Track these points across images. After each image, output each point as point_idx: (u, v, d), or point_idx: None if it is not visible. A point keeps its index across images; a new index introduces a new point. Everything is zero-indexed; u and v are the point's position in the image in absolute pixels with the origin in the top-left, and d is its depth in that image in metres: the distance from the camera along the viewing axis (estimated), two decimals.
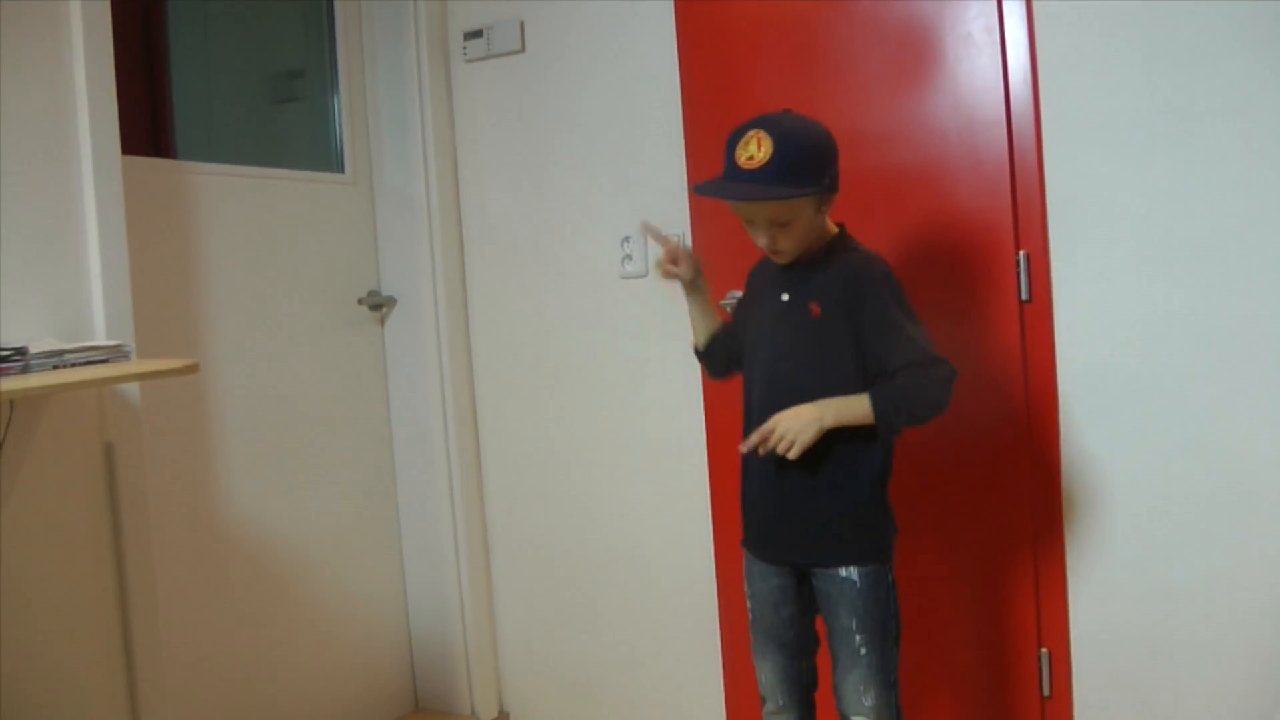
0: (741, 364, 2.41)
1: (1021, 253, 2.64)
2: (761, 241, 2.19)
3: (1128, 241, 2.53)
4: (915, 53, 2.76)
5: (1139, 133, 2.51)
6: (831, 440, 2.11)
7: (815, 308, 2.17)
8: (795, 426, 2.08)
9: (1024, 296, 2.64)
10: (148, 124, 3.11)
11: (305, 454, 3.35)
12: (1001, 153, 2.65)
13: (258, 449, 3.19)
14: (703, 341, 2.52)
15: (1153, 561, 2.56)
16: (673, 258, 2.43)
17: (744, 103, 2.96)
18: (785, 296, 2.24)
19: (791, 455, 2.07)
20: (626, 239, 3.23)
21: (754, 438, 2.12)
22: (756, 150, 2.09)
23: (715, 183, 2.16)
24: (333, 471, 3.45)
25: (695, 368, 2.79)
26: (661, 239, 2.51)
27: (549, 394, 3.48)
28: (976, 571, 2.77)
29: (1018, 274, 2.64)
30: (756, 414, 2.22)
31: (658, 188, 3.15)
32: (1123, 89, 2.52)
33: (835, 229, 2.27)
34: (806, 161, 2.11)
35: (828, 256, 2.22)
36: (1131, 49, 2.51)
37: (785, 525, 2.25)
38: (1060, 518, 2.65)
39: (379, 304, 3.62)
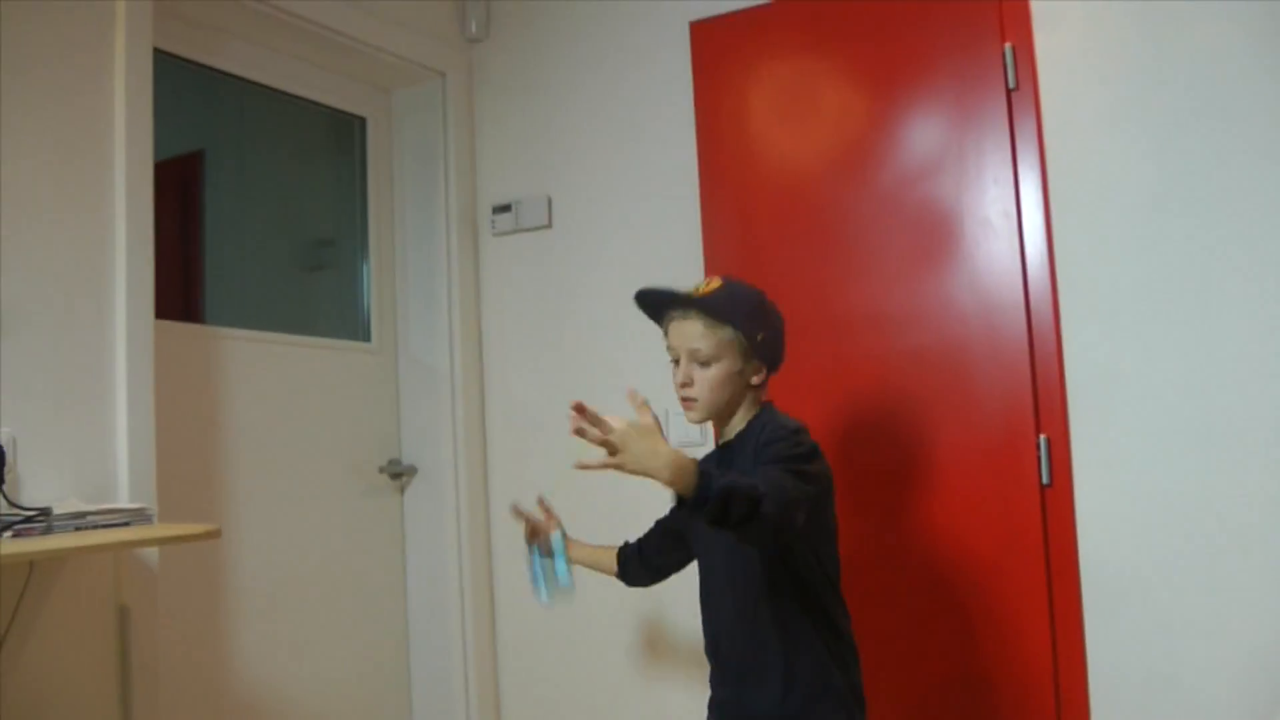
0: (665, 564, 2.49)
1: (1042, 436, 2.64)
2: (677, 378, 2.17)
3: (1150, 425, 2.54)
4: (935, 236, 2.81)
5: (1158, 315, 2.54)
6: (756, 601, 2.08)
7: None
8: (637, 452, 1.85)
9: (1045, 481, 2.64)
10: (179, 287, 3.16)
11: (319, 621, 3.31)
12: (1020, 335, 2.68)
13: (272, 615, 3.16)
14: (613, 569, 2.56)
15: None
16: (532, 530, 2.51)
17: (765, 280, 2.99)
18: None
19: (603, 462, 1.87)
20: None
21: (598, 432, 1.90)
22: (706, 286, 2.19)
23: (656, 289, 2.23)
24: (346, 641, 3.40)
25: None
26: (524, 513, 2.54)
27: None
28: None
29: (1039, 458, 2.64)
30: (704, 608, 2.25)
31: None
32: (1140, 270, 2.57)
33: (760, 408, 2.21)
34: (747, 309, 2.17)
35: (751, 430, 2.16)
36: (1148, 233, 2.56)
37: (722, 686, 2.22)
38: (1087, 707, 2.59)
39: (399, 473, 3.62)
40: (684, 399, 2.18)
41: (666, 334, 2.22)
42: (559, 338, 3.50)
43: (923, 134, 2.86)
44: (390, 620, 3.59)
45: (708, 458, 2.24)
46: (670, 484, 1.84)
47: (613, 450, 1.85)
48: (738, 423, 2.20)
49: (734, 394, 2.17)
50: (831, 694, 2.08)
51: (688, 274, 3.14)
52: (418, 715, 3.60)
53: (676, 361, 2.19)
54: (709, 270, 3.13)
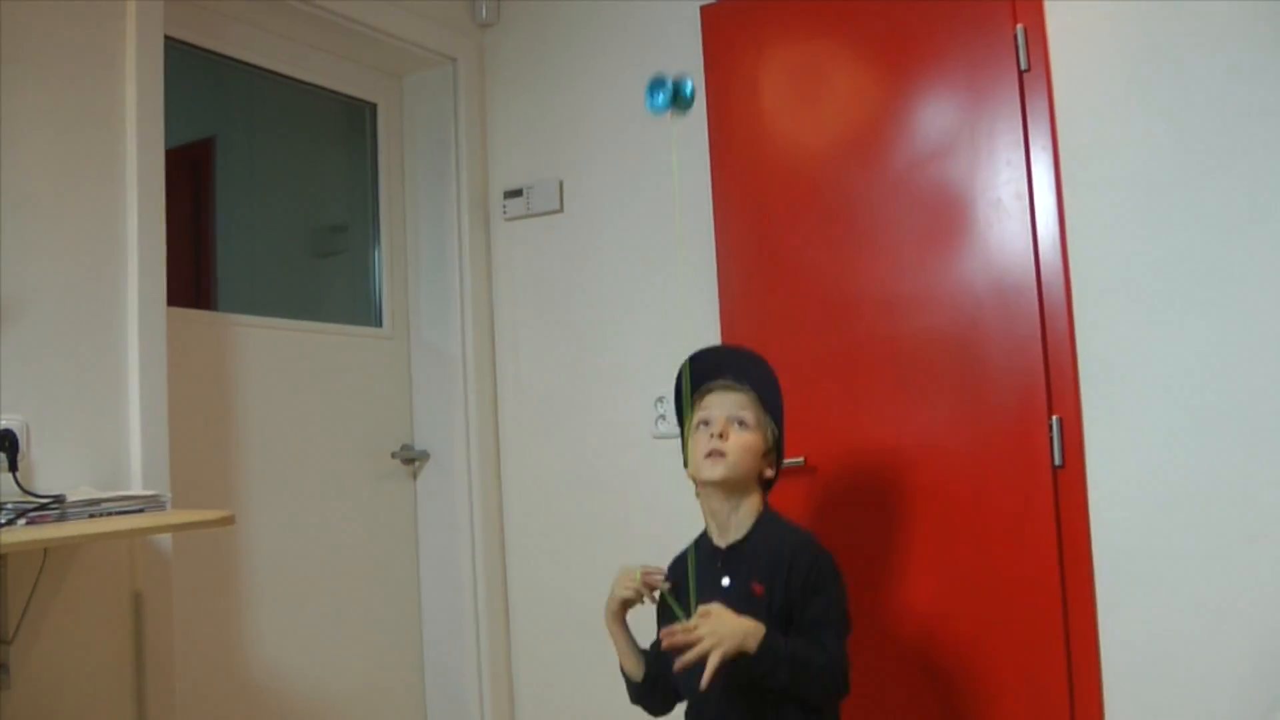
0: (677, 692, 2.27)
1: (1055, 417, 2.63)
2: (711, 432, 2.15)
3: (1162, 405, 2.53)
4: (946, 218, 2.80)
5: (1171, 296, 2.53)
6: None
7: (758, 587, 2.09)
8: (721, 632, 1.92)
9: (1057, 462, 2.63)
10: (191, 275, 3.17)
11: (332, 606, 3.33)
12: (1033, 317, 2.67)
13: (285, 600, 3.17)
14: (639, 671, 2.29)
15: None
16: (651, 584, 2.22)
17: (777, 263, 3.02)
18: (726, 581, 2.14)
19: (708, 667, 1.90)
20: (660, 399, 3.24)
21: (678, 633, 1.94)
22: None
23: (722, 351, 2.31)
24: (359, 625, 3.42)
25: None
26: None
27: (580, 552, 3.46)
28: None
29: (1050, 439, 2.63)
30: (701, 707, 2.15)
31: (692, 348, 3.17)
32: (1152, 251, 2.55)
33: (764, 508, 2.20)
34: (780, 411, 2.23)
35: (761, 532, 2.16)
36: (1160, 214, 2.54)
37: None
38: (1099, 688, 2.59)
39: (412, 458, 3.63)
40: (714, 450, 2.14)
41: (700, 403, 2.23)
42: (570, 321, 3.50)
43: (935, 116, 2.85)
44: (403, 605, 3.60)
45: (706, 550, 2.21)
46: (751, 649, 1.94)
47: (705, 646, 1.92)
48: (744, 517, 2.18)
49: (752, 473, 2.18)
50: None
51: (699, 257, 3.16)
52: (431, 700, 3.62)
53: (697, 426, 2.20)
54: (721, 253, 3.12)
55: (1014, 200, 2.72)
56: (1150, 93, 2.58)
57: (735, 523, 2.18)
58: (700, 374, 2.27)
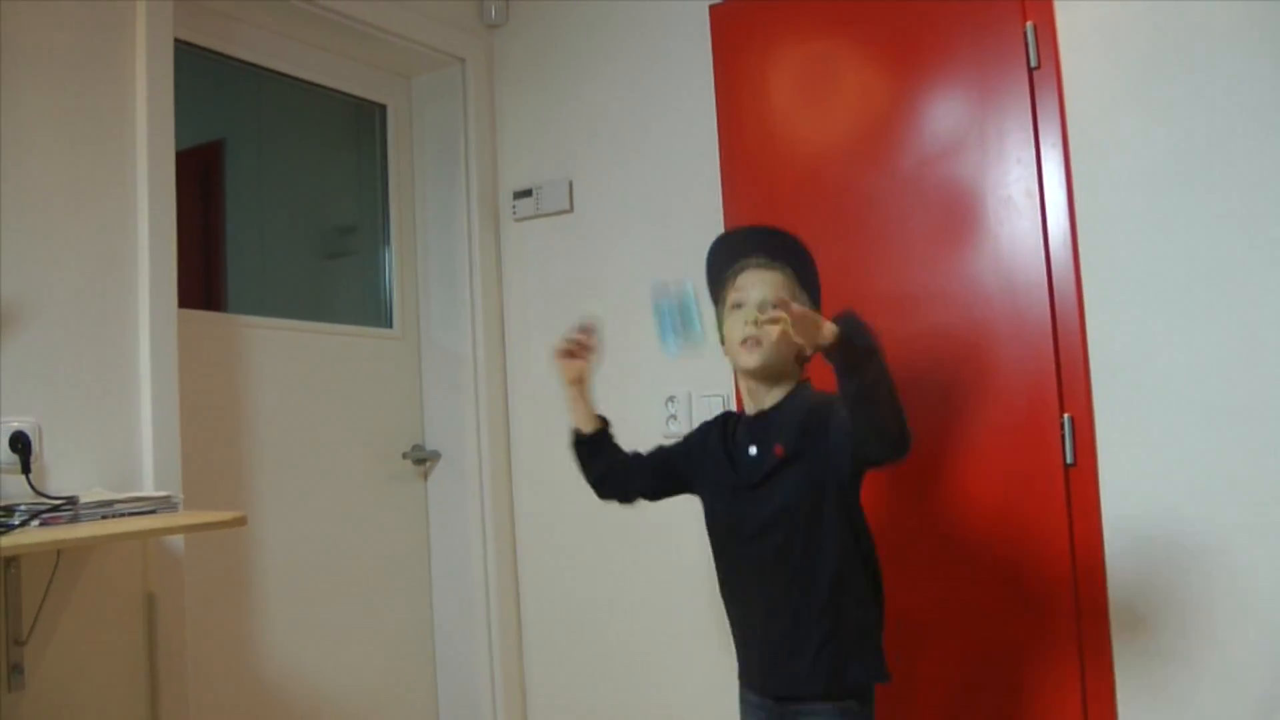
0: (629, 489, 2.38)
1: (1066, 415, 2.63)
2: (743, 317, 2.13)
3: (1174, 403, 2.52)
4: (957, 216, 2.80)
5: (1182, 293, 2.52)
6: (814, 565, 2.06)
7: (779, 449, 2.11)
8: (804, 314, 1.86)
9: (1069, 460, 2.62)
10: (201, 277, 3.18)
11: (344, 607, 3.33)
12: (1044, 314, 2.67)
13: (297, 601, 3.18)
14: (589, 425, 2.35)
15: None
16: (586, 338, 2.32)
17: None
18: (753, 450, 2.18)
19: (773, 333, 1.92)
20: (671, 398, 3.24)
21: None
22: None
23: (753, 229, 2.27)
24: (371, 625, 3.42)
25: None
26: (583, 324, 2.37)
27: (591, 551, 3.46)
28: None
29: (1062, 437, 2.63)
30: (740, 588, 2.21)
31: (701, 348, 3.17)
32: (1164, 249, 2.55)
33: (798, 382, 2.19)
34: (817, 285, 2.22)
35: (790, 402, 2.16)
36: (1172, 211, 2.54)
37: (761, 652, 2.17)
38: (1112, 686, 2.59)
39: (423, 458, 3.64)
40: (749, 337, 2.12)
41: (733, 283, 2.19)
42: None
43: (944, 114, 2.84)
44: (415, 605, 3.61)
45: (739, 421, 2.25)
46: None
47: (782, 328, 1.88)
48: (778, 392, 2.17)
49: (788, 356, 2.15)
50: (869, 646, 2.10)
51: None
52: (443, 701, 3.63)
53: (732, 308, 2.18)
54: None
55: (1024, 198, 2.71)
56: (1161, 89, 2.58)
57: (770, 398, 2.18)
58: (732, 253, 2.24)
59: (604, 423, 2.38)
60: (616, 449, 2.39)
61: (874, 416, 1.90)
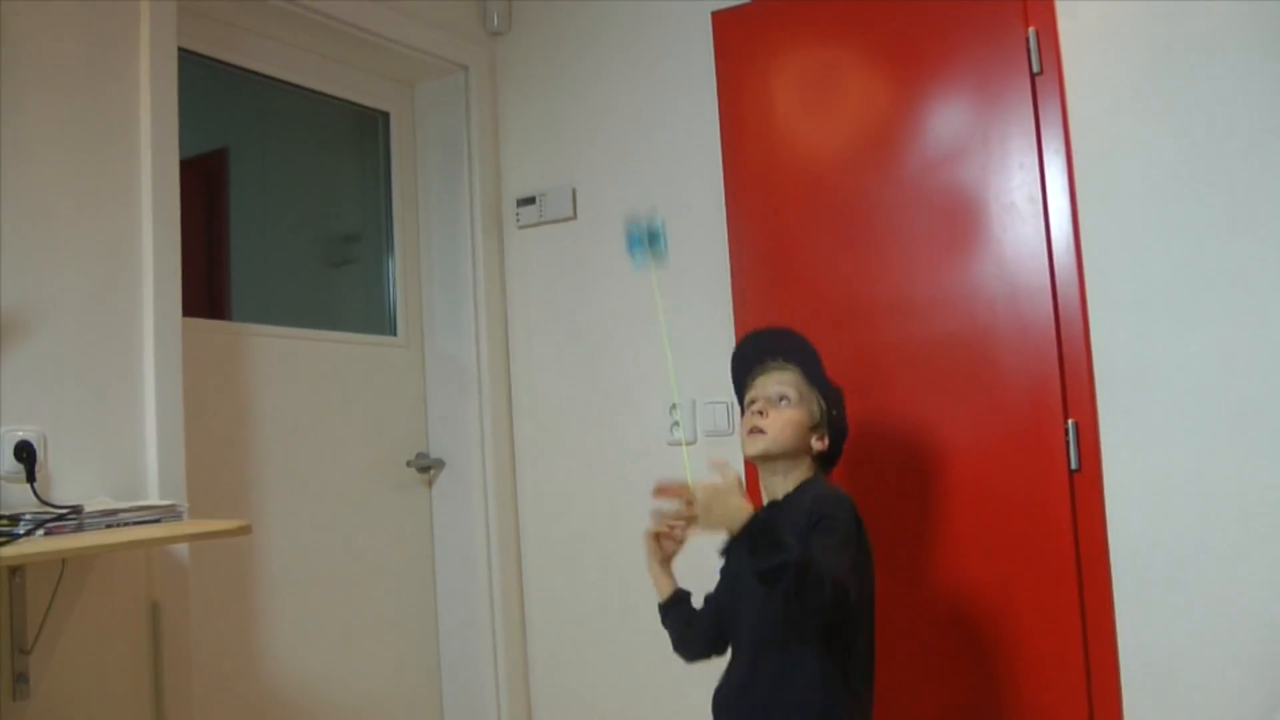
0: (709, 646, 2.36)
1: (1070, 421, 2.63)
2: (751, 415, 2.23)
3: (1178, 408, 2.52)
4: (960, 222, 2.80)
5: (1186, 299, 2.52)
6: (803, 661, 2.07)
7: None
8: (719, 512, 1.93)
9: (1073, 466, 2.62)
10: (205, 285, 3.18)
11: (349, 614, 3.33)
12: (1047, 320, 2.67)
13: (302, 609, 3.18)
14: (668, 593, 2.37)
15: None
16: (680, 530, 2.29)
17: (790, 268, 3.02)
18: None
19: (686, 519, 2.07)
20: (674, 406, 3.24)
21: (672, 490, 2.04)
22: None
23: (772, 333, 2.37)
24: (377, 634, 3.42)
25: None
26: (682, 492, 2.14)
27: (596, 560, 3.46)
28: None
29: (1067, 443, 2.62)
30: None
31: (705, 357, 3.17)
32: (1167, 254, 2.55)
33: (812, 474, 2.25)
34: (829, 386, 2.29)
35: (798, 494, 2.20)
36: (1175, 217, 2.54)
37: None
38: (1118, 690, 2.58)
39: (427, 466, 3.64)
40: (754, 429, 2.22)
41: (752, 384, 2.30)
42: (585, 329, 3.50)
43: (947, 120, 2.85)
44: (420, 613, 3.60)
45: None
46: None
47: (693, 518, 2.01)
48: (789, 484, 2.23)
49: (798, 445, 2.22)
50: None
51: (714, 262, 3.16)
52: (448, 708, 3.62)
53: (748, 406, 2.28)
54: (734, 258, 3.12)
55: (1027, 203, 2.71)
56: (1163, 94, 2.58)
57: (781, 488, 2.24)
58: (752, 356, 2.36)
59: (682, 592, 2.40)
60: (691, 612, 2.39)
61: (791, 612, 1.96)
